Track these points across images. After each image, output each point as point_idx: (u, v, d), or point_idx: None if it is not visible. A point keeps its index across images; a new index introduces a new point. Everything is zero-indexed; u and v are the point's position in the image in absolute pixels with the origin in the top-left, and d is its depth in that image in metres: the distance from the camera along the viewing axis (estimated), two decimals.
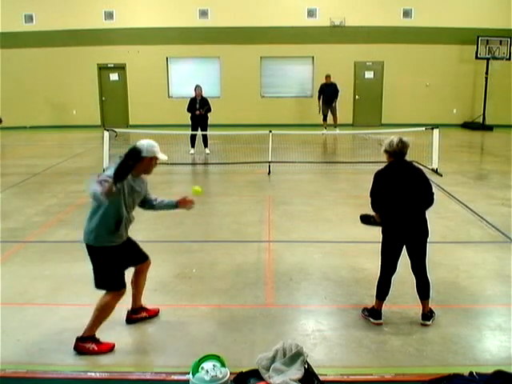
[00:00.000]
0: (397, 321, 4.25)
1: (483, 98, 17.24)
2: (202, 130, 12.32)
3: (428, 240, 4.18)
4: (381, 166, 4.25)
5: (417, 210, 4.12)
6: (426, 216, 4.17)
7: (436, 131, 10.31)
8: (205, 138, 12.48)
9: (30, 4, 17.70)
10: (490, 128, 17.11)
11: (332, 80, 15.94)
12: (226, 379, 2.10)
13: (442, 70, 17.76)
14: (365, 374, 3.30)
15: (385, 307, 4.44)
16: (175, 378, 2.30)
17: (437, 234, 6.50)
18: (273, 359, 2.26)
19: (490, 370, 2.27)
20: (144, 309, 4.32)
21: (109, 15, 17.80)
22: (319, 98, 15.95)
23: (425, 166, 10.31)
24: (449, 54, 17.66)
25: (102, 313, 3.79)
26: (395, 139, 4.11)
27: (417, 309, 4.44)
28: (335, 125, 15.74)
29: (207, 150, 12.51)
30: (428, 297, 4.27)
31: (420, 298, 4.29)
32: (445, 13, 17.27)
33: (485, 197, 8.29)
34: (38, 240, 6.41)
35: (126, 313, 4.24)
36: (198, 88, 12.42)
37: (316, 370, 2.25)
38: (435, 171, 9.94)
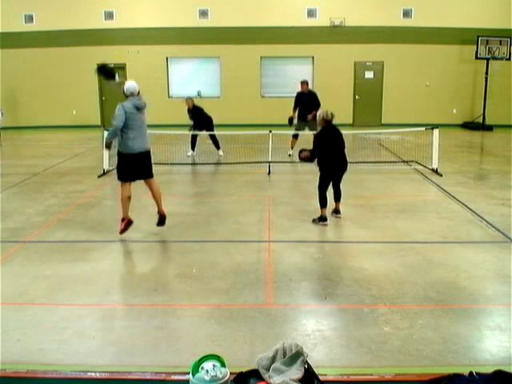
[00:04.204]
0: (397, 321, 4.25)
1: (483, 98, 17.24)
2: (207, 131, 11.90)
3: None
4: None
5: (342, 153, 6.76)
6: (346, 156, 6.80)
7: (436, 131, 10.30)
8: (213, 139, 12.08)
9: (30, 4, 17.71)
10: (489, 128, 17.10)
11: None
12: (226, 379, 2.09)
13: (442, 70, 17.76)
14: (365, 374, 3.29)
15: (384, 307, 4.45)
16: (175, 377, 2.30)
17: (437, 233, 6.51)
18: (273, 359, 2.25)
19: (490, 370, 2.26)
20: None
21: (109, 15, 17.81)
22: (295, 109, 12.18)
23: (425, 166, 10.36)
24: (449, 54, 17.66)
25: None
26: (328, 112, 6.73)
27: (417, 309, 4.45)
28: None
29: (220, 152, 12.11)
30: (339, 200, 6.99)
31: (334, 201, 6.96)
32: (445, 13, 17.29)
33: (485, 197, 8.28)
34: (37, 240, 6.40)
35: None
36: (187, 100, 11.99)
37: (316, 370, 2.24)
38: (435, 171, 9.93)
